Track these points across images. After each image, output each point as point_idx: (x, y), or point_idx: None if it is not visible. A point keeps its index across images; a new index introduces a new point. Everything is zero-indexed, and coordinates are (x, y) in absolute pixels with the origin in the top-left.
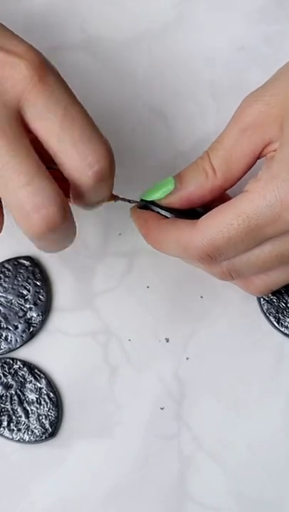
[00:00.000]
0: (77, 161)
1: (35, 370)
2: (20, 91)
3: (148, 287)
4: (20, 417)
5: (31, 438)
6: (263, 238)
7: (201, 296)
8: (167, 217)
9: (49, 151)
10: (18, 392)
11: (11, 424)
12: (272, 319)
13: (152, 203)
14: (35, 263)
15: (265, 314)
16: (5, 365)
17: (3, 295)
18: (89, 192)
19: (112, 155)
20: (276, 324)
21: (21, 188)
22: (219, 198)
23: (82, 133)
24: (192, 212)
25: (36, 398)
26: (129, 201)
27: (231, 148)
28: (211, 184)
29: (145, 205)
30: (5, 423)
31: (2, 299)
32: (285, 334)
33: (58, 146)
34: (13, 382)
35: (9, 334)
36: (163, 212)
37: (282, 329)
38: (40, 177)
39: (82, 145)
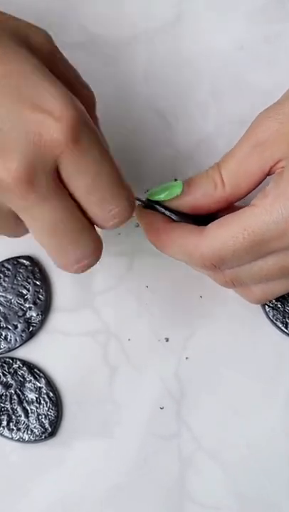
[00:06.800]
0: (102, 213)
1: (35, 370)
2: (56, 155)
3: (148, 287)
4: (20, 416)
5: (31, 437)
6: (268, 252)
7: (201, 296)
8: (172, 219)
9: (77, 200)
10: (18, 391)
11: (11, 424)
12: (280, 325)
13: (158, 203)
14: (34, 263)
15: (271, 321)
16: (4, 365)
17: (3, 294)
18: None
19: (134, 206)
20: (285, 329)
21: (71, 245)
22: (225, 207)
23: (109, 190)
24: (197, 215)
25: (36, 397)
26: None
27: (241, 163)
28: (219, 195)
29: (150, 205)
30: (4, 422)
31: (2, 299)
32: None
33: (86, 199)
34: (12, 382)
35: (9, 334)
36: (168, 213)
37: None
38: (85, 233)
39: (107, 202)
